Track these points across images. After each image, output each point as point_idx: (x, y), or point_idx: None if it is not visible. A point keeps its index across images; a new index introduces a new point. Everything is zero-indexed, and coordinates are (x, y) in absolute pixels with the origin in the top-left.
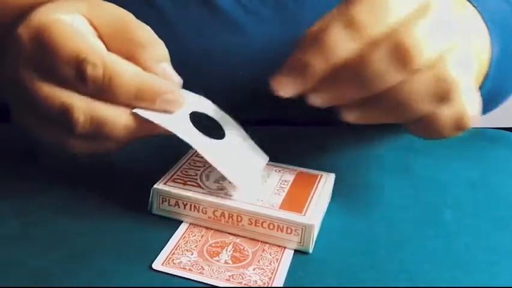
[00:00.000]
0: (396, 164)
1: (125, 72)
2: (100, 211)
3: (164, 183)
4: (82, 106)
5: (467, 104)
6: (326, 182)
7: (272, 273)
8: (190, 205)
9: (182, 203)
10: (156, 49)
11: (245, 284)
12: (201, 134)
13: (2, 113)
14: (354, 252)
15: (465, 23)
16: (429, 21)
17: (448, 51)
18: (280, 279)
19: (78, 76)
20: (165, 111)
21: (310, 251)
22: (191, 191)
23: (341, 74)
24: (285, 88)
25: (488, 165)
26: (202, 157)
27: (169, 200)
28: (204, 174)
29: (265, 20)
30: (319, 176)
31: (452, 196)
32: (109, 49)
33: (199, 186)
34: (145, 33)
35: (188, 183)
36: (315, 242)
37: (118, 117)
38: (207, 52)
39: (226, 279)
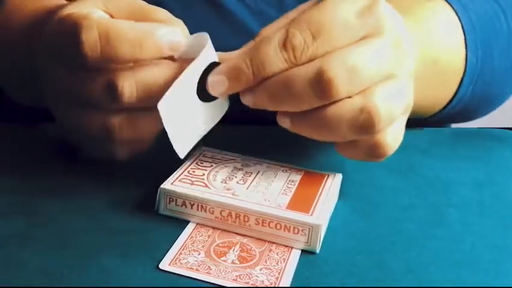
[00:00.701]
0: (401, 164)
1: (121, 26)
2: (107, 211)
3: (171, 183)
4: (126, 77)
5: (388, 136)
6: (333, 182)
7: (279, 273)
8: (197, 205)
9: (190, 203)
10: (176, 25)
11: (252, 284)
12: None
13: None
14: (360, 252)
15: (417, 42)
16: (365, 50)
17: (379, 83)
18: (287, 279)
19: (75, 43)
20: (173, 52)
21: (317, 251)
22: (198, 191)
23: (269, 85)
24: (217, 89)
25: (493, 164)
26: (210, 157)
27: (176, 200)
28: (211, 174)
29: (270, 20)
30: (326, 176)
31: (458, 196)
32: None
33: (206, 186)
34: (162, 14)
35: (195, 183)
36: (322, 242)
37: (159, 72)
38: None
39: (233, 279)
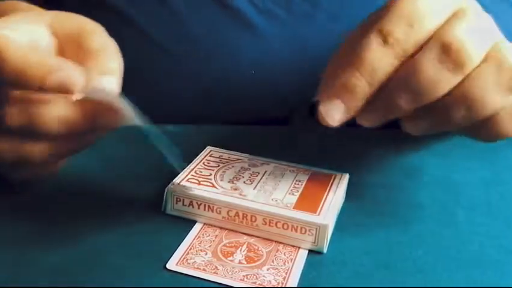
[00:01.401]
0: (409, 164)
1: (10, 48)
2: (114, 211)
3: (179, 183)
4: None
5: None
6: (340, 182)
7: (286, 273)
8: (205, 205)
9: (197, 203)
10: (100, 61)
11: (259, 284)
12: None
13: None
14: (368, 252)
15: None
16: (469, 22)
17: (499, 43)
18: (294, 279)
19: None
20: (63, 92)
21: (325, 251)
22: (205, 191)
23: (390, 89)
24: (335, 116)
25: (501, 164)
26: (217, 157)
27: (183, 200)
28: (218, 174)
29: (277, 19)
30: (333, 176)
31: (465, 195)
32: (67, 58)
33: (213, 186)
34: (95, 43)
35: (202, 183)
36: (329, 241)
37: (50, 109)
38: (220, 51)
39: (241, 279)
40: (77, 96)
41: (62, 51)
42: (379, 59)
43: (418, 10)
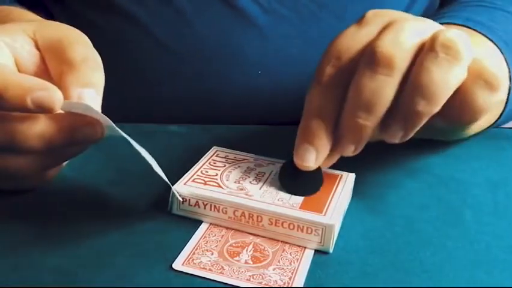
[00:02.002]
0: (415, 164)
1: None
2: (120, 211)
3: (185, 184)
4: None
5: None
6: (346, 182)
7: (292, 273)
8: (211, 205)
9: (203, 203)
10: (81, 73)
11: (265, 284)
12: None
13: None
14: (374, 252)
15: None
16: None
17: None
18: (300, 279)
19: None
20: (44, 111)
21: (331, 251)
22: (211, 191)
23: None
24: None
25: (507, 164)
26: (223, 157)
27: (189, 200)
28: (224, 174)
29: (283, 19)
30: (339, 176)
31: (472, 196)
32: (49, 68)
33: (219, 186)
34: (76, 54)
35: (208, 183)
36: (336, 241)
37: (30, 125)
38: (225, 51)
39: (247, 279)
40: (56, 112)
41: (43, 62)
42: (319, 103)
43: (342, 46)
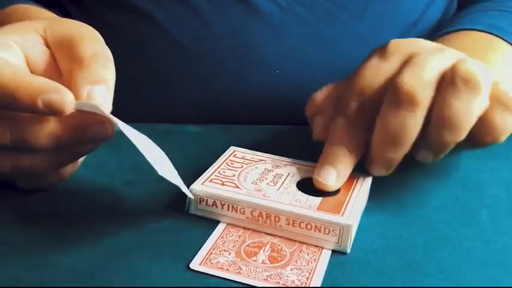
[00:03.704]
0: (432, 164)
1: (0, 69)
2: (137, 211)
3: (202, 184)
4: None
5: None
6: (363, 183)
7: (310, 273)
8: (228, 205)
9: (220, 203)
10: (91, 69)
11: (283, 284)
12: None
13: None
14: (391, 252)
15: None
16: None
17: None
18: (318, 279)
19: None
20: (54, 113)
21: (348, 251)
22: (229, 191)
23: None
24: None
25: None
26: (240, 157)
27: (206, 200)
28: (241, 174)
29: (300, 18)
30: (356, 177)
31: (489, 196)
32: (60, 66)
33: (237, 187)
34: (86, 51)
35: (226, 183)
36: (353, 242)
37: (40, 125)
38: (241, 51)
39: (264, 279)
40: (67, 114)
41: (54, 60)
42: (344, 133)
43: (366, 81)
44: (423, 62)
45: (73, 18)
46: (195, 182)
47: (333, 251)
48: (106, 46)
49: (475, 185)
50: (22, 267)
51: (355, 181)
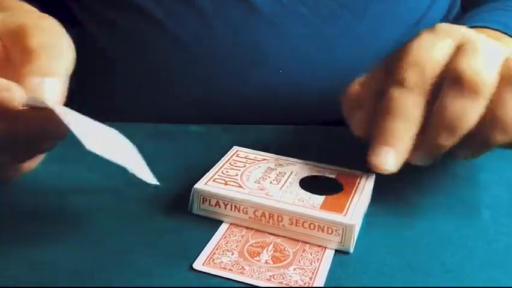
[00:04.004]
0: (435, 164)
1: None
2: (140, 211)
3: (205, 183)
4: None
5: None
6: (367, 182)
7: (313, 273)
8: (231, 205)
9: (223, 203)
10: (41, 62)
11: (286, 284)
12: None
13: None
14: (394, 252)
15: None
16: (474, 50)
17: (509, 59)
18: (321, 279)
19: None
20: (4, 111)
21: (351, 251)
22: (232, 191)
23: (429, 131)
24: (389, 161)
25: None
26: (243, 157)
27: (209, 200)
28: (244, 173)
29: (302, 18)
30: (359, 176)
31: (492, 196)
32: (10, 58)
33: (240, 186)
34: (35, 42)
35: (229, 183)
36: (356, 241)
37: None
38: (243, 50)
39: (267, 279)
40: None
41: (7, 53)
42: (405, 102)
43: (424, 52)
44: (483, 50)
45: (74, 17)
46: (198, 182)
47: (336, 250)
48: (63, 38)
49: (478, 185)
50: (22, 267)
51: (358, 180)
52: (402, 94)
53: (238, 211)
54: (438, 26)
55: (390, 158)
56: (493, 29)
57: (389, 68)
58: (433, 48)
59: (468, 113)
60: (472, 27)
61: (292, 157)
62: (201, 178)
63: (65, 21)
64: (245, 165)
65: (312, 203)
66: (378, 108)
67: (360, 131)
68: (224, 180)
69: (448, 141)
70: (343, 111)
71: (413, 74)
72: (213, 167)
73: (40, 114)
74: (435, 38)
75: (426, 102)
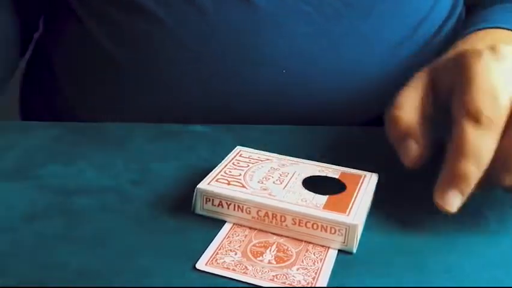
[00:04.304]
0: (439, 165)
1: None
2: (143, 211)
3: (208, 183)
4: None
5: None
6: (370, 182)
7: (316, 273)
8: (234, 205)
9: (226, 203)
10: None
11: (289, 284)
12: None
13: None
14: (397, 253)
15: None
16: None
17: None
18: (324, 279)
19: None
20: None
21: (354, 251)
22: (235, 191)
23: (494, 170)
24: (452, 203)
25: None
26: (246, 157)
27: (212, 200)
28: (247, 173)
29: (306, 18)
30: (362, 176)
31: (495, 197)
32: None
33: (243, 186)
34: None
35: (232, 183)
36: (359, 241)
37: None
38: (247, 51)
39: (270, 279)
40: None
41: None
42: (481, 144)
43: (496, 81)
44: None
45: (76, 16)
46: (201, 182)
47: (339, 250)
48: None
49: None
50: (30, 267)
51: (361, 180)
52: (478, 134)
53: (241, 211)
54: (501, 48)
55: (457, 201)
56: (508, 29)
57: (441, 88)
58: (503, 76)
59: None
60: (483, 28)
61: (295, 157)
62: (204, 178)
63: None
64: (248, 165)
65: (315, 203)
66: (448, 147)
67: (413, 163)
68: (227, 180)
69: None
70: (389, 137)
71: (489, 108)
72: (216, 167)
73: None
74: (503, 65)
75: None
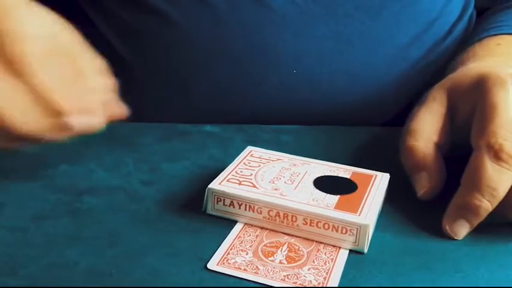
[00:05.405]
0: (449, 164)
1: None
2: (155, 211)
3: (219, 183)
4: None
5: None
6: (381, 182)
7: (327, 273)
8: (245, 205)
9: (238, 202)
10: None
11: (300, 284)
12: None
13: None
14: (408, 252)
15: None
16: None
17: None
18: (335, 279)
19: None
20: None
21: (365, 251)
22: (246, 191)
23: (506, 206)
24: (461, 232)
25: None
26: (257, 157)
27: (224, 199)
28: (258, 173)
29: (319, 20)
30: (374, 176)
31: None
32: None
33: (254, 186)
34: None
35: (243, 183)
36: (370, 241)
37: None
38: (259, 51)
39: (281, 279)
40: None
41: None
42: (498, 179)
43: None
44: None
45: (88, 18)
46: (213, 182)
47: (350, 250)
48: None
49: None
50: (39, 267)
51: (372, 180)
52: (496, 169)
53: (253, 211)
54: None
55: (464, 230)
56: None
57: (459, 112)
58: None
59: None
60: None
61: (307, 157)
62: (214, 178)
63: (78, 22)
64: (259, 165)
65: (326, 203)
66: (465, 176)
67: (426, 195)
68: (238, 180)
69: None
70: (403, 165)
71: (509, 141)
72: (227, 167)
73: None
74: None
75: None
